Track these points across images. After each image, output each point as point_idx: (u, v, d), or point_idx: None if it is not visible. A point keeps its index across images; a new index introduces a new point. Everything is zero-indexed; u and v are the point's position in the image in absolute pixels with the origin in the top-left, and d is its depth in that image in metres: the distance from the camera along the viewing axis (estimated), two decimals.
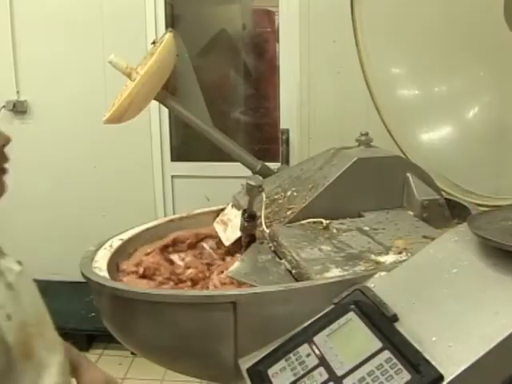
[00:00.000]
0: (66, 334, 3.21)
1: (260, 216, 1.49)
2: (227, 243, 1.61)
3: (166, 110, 3.12)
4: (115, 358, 3.14)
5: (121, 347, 1.55)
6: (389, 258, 1.29)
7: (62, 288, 3.46)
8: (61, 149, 3.41)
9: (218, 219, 1.76)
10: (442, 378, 0.94)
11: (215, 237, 1.71)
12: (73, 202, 3.45)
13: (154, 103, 2.21)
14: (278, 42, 3.14)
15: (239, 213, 1.55)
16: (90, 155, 3.38)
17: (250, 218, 1.49)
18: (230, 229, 1.64)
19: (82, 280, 1.45)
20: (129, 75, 2.05)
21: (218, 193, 2.16)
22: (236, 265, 1.37)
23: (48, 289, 3.44)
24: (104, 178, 3.38)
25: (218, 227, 1.72)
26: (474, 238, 1.18)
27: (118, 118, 2.00)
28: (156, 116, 3.25)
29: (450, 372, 0.94)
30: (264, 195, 1.47)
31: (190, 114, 2.13)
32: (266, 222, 1.47)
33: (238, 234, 1.54)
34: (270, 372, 1.16)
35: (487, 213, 1.27)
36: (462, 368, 0.94)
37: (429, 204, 1.52)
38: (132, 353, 3.02)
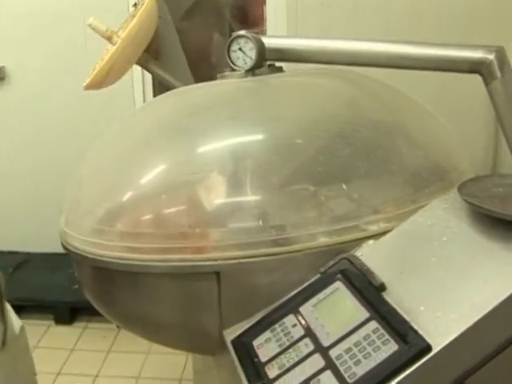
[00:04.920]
0: (48, 307, 3.24)
1: None
2: None
3: (149, 75, 3.10)
4: (100, 331, 3.14)
5: (105, 320, 1.54)
6: (377, 226, 1.29)
7: (43, 260, 3.46)
8: (40, 116, 3.38)
9: None
10: (429, 348, 0.94)
11: None
12: (53, 171, 3.43)
13: (137, 68, 2.18)
14: (265, 4, 3.11)
15: None
16: (71, 123, 3.35)
17: None
18: None
19: (64, 251, 1.44)
20: (109, 39, 2.02)
21: None
22: None
23: (29, 261, 3.46)
24: (85, 145, 3.35)
25: None
26: (464, 206, 1.18)
27: (98, 82, 1.98)
28: (139, 81, 3.22)
29: (438, 342, 0.94)
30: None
31: (173, 79, 2.11)
32: None
33: None
34: (255, 343, 1.17)
35: (478, 180, 1.26)
36: (451, 338, 0.94)
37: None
38: (117, 325, 3.02)
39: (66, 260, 1.52)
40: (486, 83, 1.33)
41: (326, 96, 1.57)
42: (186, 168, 1.40)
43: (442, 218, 1.21)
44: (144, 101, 3.27)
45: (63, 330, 3.20)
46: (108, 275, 1.34)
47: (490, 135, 2.96)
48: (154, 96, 3.26)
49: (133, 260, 1.29)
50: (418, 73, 1.46)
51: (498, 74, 1.31)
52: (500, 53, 1.32)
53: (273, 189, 1.33)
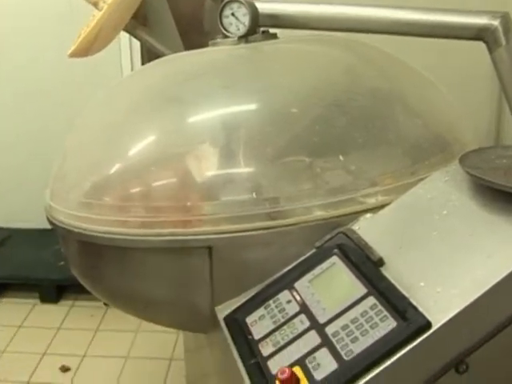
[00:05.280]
0: (33, 285, 3.24)
1: None
2: None
3: (137, 43, 3.08)
4: (87, 309, 3.15)
5: (93, 298, 1.55)
6: (375, 199, 1.29)
7: (28, 236, 3.45)
8: (23, 86, 3.36)
9: None
10: (429, 325, 0.94)
11: None
12: (37, 143, 3.41)
13: (124, 35, 2.16)
14: None
15: None
16: (55, 93, 3.33)
17: None
18: None
19: (50, 226, 1.44)
20: (95, 4, 2.00)
21: None
22: None
23: (13, 237, 3.46)
24: (71, 116, 3.33)
25: None
26: (465, 178, 1.18)
27: (84, 50, 1.96)
28: (127, 49, 3.20)
29: (438, 319, 0.95)
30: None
31: (162, 46, 2.09)
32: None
33: None
34: (249, 320, 1.17)
35: (480, 151, 1.26)
36: (451, 315, 0.94)
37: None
38: (105, 303, 3.03)
39: (51, 236, 1.52)
40: (491, 51, 1.33)
41: (322, 63, 1.56)
42: (177, 139, 1.40)
43: (443, 190, 1.20)
44: (132, 69, 3.25)
45: (49, 308, 3.20)
46: (95, 250, 1.34)
47: (493, 106, 2.95)
48: (143, 64, 3.23)
49: (121, 234, 1.28)
50: (417, 41, 1.46)
51: (503, 41, 1.31)
52: (505, 19, 1.31)
53: (267, 160, 1.32)
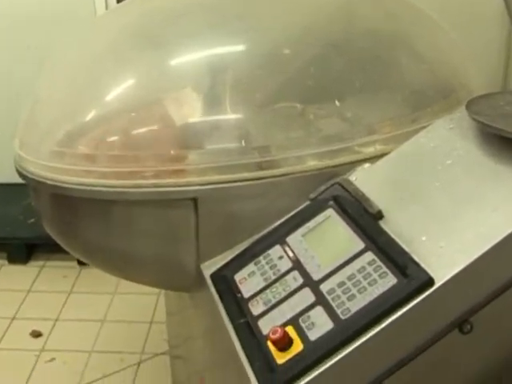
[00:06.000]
0: (1, 244, 3.23)
1: None
2: None
3: None
4: (59, 270, 3.14)
5: (66, 257, 1.55)
6: (373, 148, 1.29)
7: None
8: None
9: None
10: (432, 281, 0.95)
11: None
12: (4, 90, 3.38)
13: None
14: None
15: None
16: (22, 34, 3.29)
17: None
18: None
19: (19, 181, 1.43)
20: None
21: None
22: None
23: None
24: (40, 60, 3.30)
25: None
26: (472, 125, 1.18)
27: None
28: None
29: (441, 275, 0.95)
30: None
31: None
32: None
33: None
34: (237, 277, 1.18)
35: (488, 96, 1.26)
36: (455, 271, 0.95)
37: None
38: (79, 263, 3.03)
39: (20, 191, 1.51)
40: None
41: (318, 1, 1.55)
42: (159, 83, 1.39)
43: (447, 138, 1.21)
44: (106, 7, 3.21)
45: (18, 269, 3.19)
46: (71, 204, 1.34)
47: (502, 48, 2.94)
48: (118, 1, 3.21)
49: (98, 186, 1.28)
50: None
51: None
52: None
53: (256, 106, 1.32)
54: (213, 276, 1.23)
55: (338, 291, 1.03)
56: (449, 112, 1.32)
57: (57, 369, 2.55)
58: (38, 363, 2.58)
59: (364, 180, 1.20)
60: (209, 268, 1.25)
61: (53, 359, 2.59)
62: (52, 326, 2.78)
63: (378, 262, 1.02)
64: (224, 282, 1.20)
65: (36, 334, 2.72)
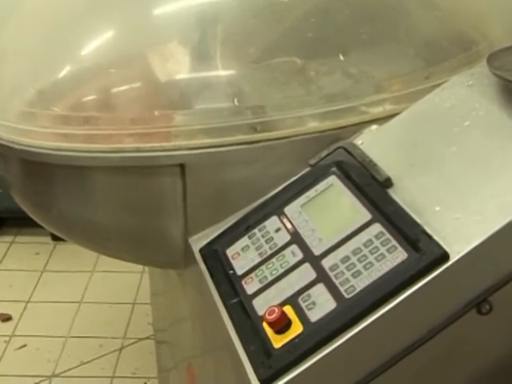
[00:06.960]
0: None
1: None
2: None
3: None
4: (31, 246, 3.14)
5: (38, 232, 1.55)
6: (381, 108, 1.29)
7: None
8: None
9: None
10: (446, 256, 0.95)
11: None
12: None
13: None
14: None
15: None
16: None
17: None
18: None
19: None
20: None
21: None
22: None
23: None
24: (4, 8, 3.28)
25: None
26: (494, 82, 1.17)
27: None
28: None
29: (456, 249, 0.95)
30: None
31: None
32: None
33: None
34: (230, 252, 1.18)
35: None
36: (473, 245, 0.95)
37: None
38: (53, 238, 3.01)
39: None
40: None
41: None
42: (141, 35, 1.38)
43: (465, 97, 1.20)
44: None
45: None
46: (44, 171, 1.33)
47: None
48: None
49: (75, 151, 1.28)
50: None
51: None
52: None
53: (250, 61, 1.33)
54: (202, 251, 1.23)
55: (342, 267, 1.03)
56: (468, 67, 1.31)
57: (29, 356, 2.56)
58: (7, 350, 2.59)
59: (371, 144, 1.20)
60: (198, 242, 1.25)
61: (24, 345, 2.61)
62: (23, 309, 2.79)
63: (387, 235, 1.02)
64: (215, 257, 1.20)
65: (5, 318, 2.74)
